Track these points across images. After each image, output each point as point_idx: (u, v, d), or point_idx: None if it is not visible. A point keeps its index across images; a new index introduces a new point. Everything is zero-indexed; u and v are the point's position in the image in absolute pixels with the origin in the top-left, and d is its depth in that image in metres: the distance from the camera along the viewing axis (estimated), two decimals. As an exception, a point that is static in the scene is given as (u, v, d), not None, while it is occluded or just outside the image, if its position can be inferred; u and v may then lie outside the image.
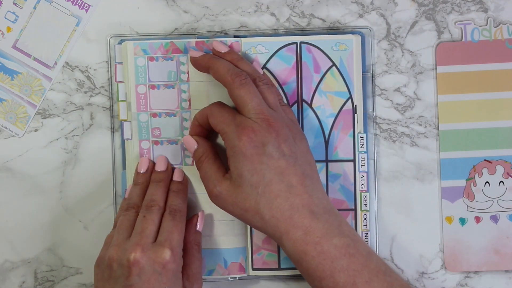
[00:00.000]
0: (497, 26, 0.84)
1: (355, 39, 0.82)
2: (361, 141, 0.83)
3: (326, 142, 0.83)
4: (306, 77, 0.83)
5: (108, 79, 0.85)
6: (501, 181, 0.84)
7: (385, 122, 0.85)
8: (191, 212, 0.82)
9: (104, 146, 0.85)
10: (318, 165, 0.83)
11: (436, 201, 0.85)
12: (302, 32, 0.84)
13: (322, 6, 0.85)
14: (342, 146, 0.83)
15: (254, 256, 0.83)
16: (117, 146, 0.85)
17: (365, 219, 0.83)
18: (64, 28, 0.84)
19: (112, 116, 0.85)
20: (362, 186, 0.83)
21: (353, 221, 0.83)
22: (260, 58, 0.82)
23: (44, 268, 0.86)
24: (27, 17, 0.84)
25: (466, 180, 0.84)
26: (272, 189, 0.74)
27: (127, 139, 0.83)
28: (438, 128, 0.85)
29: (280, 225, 0.74)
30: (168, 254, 0.75)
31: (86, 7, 0.84)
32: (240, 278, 0.84)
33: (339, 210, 0.83)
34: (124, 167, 0.84)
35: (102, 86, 0.85)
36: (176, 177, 0.82)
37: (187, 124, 0.82)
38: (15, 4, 0.84)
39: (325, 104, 0.83)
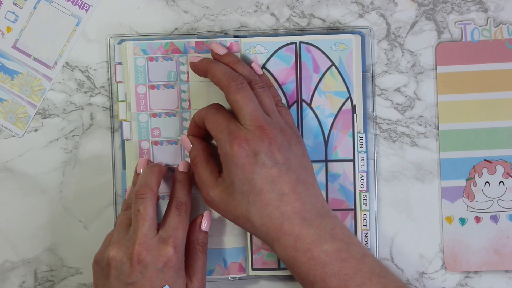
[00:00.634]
0: (497, 26, 0.84)
1: (355, 39, 0.82)
2: (361, 140, 0.83)
3: (326, 142, 0.83)
4: (306, 77, 0.83)
5: (108, 79, 0.85)
6: (501, 181, 0.84)
7: (385, 122, 0.85)
8: (194, 212, 0.82)
9: (104, 146, 0.85)
10: (318, 165, 0.83)
11: (436, 201, 0.85)
12: (302, 32, 0.84)
13: (322, 6, 0.85)
14: (341, 146, 0.83)
15: (254, 256, 0.83)
16: (117, 146, 0.85)
17: (364, 219, 0.83)
18: (64, 28, 0.84)
19: (112, 116, 0.85)
20: (362, 186, 0.83)
21: (353, 221, 0.83)
22: (260, 58, 0.82)
23: (44, 268, 0.86)
24: (27, 17, 0.84)
25: (466, 180, 0.84)
26: (263, 198, 0.74)
27: (127, 139, 0.83)
28: (438, 128, 0.84)
29: (271, 232, 0.75)
30: (171, 251, 0.75)
31: (86, 7, 0.84)
32: (240, 278, 0.84)
33: (339, 210, 0.83)
34: (124, 167, 0.84)
35: (102, 86, 0.85)
36: (182, 167, 0.81)
37: (187, 124, 0.82)
38: (15, 4, 0.84)
39: (325, 104, 0.83)
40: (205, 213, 0.81)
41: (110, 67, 0.84)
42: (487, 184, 0.84)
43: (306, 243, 0.74)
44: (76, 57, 0.85)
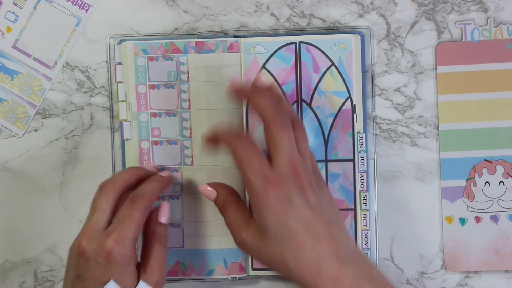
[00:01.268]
0: (497, 26, 0.84)
1: (354, 39, 0.82)
2: (361, 140, 0.83)
3: (326, 142, 0.83)
4: (305, 77, 0.83)
5: (108, 79, 0.85)
6: (501, 181, 0.84)
7: (385, 122, 0.85)
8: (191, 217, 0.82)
9: (104, 146, 0.85)
10: (318, 164, 0.83)
11: (436, 201, 0.85)
12: (302, 32, 0.84)
13: (322, 6, 0.85)
14: (341, 146, 0.83)
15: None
16: (117, 146, 0.85)
17: (364, 218, 0.83)
18: (64, 28, 0.84)
19: (112, 116, 0.85)
20: (362, 185, 0.83)
21: (353, 221, 0.83)
22: (259, 58, 0.82)
23: (44, 268, 0.86)
24: (27, 17, 0.84)
25: (466, 180, 0.84)
26: (298, 240, 0.71)
27: (127, 139, 0.83)
28: (438, 128, 0.84)
29: (307, 276, 0.71)
30: (112, 245, 0.72)
31: (86, 7, 0.84)
32: (240, 278, 0.84)
33: (339, 210, 0.83)
34: (124, 167, 0.84)
35: (102, 86, 0.85)
36: (163, 173, 0.81)
37: (187, 124, 0.82)
38: (15, 4, 0.84)
39: (324, 103, 0.83)
40: (162, 204, 0.79)
41: (110, 67, 0.84)
42: (487, 184, 0.84)
43: (346, 284, 0.71)
44: (76, 57, 0.85)
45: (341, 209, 0.83)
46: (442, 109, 0.84)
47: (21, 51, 0.84)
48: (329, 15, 0.85)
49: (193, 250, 0.83)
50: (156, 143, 0.83)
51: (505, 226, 0.84)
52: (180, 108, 0.83)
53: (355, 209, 0.83)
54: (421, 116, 0.85)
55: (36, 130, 0.85)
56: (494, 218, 0.84)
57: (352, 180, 0.83)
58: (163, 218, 0.78)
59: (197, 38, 0.83)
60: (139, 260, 0.77)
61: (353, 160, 0.83)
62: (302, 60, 0.83)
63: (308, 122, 0.83)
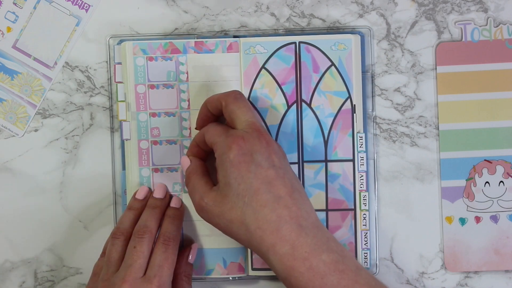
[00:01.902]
0: (497, 26, 0.84)
1: (354, 39, 0.82)
2: (360, 140, 0.83)
3: (326, 142, 0.83)
4: (305, 77, 0.83)
5: (108, 79, 0.85)
6: (501, 181, 0.84)
7: (385, 122, 0.85)
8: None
9: (104, 146, 0.85)
10: (318, 165, 0.83)
11: (436, 201, 0.85)
12: (302, 32, 0.84)
13: (322, 6, 0.85)
14: (341, 146, 0.83)
15: (253, 256, 0.83)
16: (116, 146, 0.85)
17: (364, 218, 0.83)
18: (64, 28, 0.85)
19: (112, 116, 0.85)
20: (362, 185, 0.83)
21: (353, 221, 0.83)
22: (259, 58, 0.82)
23: (44, 268, 0.86)
24: (27, 17, 0.84)
25: (466, 180, 0.84)
26: (259, 198, 0.72)
27: (126, 139, 0.83)
28: (438, 128, 0.84)
29: (266, 237, 0.72)
30: None
31: (86, 7, 0.84)
32: (239, 278, 0.84)
33: (339, 210, 0.83)
34: (123, 167, 0.84)
35: (102, 86, 0.85)
36: (174, 203, 0.82)
37: (186, 124, 0.83)
38: (15, 4, 0.84)
39: (324, 104, 0.83)
40: (193, 246, 0.82)
41: (110, 67, 0.84)
42: (487, 184, 0.84)
43: (304, 252, 0.72)
44: (76, 57, 0.85)
45: (341, 209, 0.83)
46: (442, 109, 0.84)
47: (21, 51, 0.84)
48: (329, 15, 0.85)
49: (193, 250, 0.84)
50: (155, 143, 0.83)
51: (505, 226, 0.84)
52: (180, 108, 0.83)
53: (355, 209, 0.83)
54: (421, 116, 0.85)
55: (36, 130, 0.85)
56: (494, 218, 0.84)
57: (352, 180, 0.83)
58: (193, 258, 0.82)
59: (197, 38, 0.83)
60: None
61: (353, 160, 0.83)
62: (302, 60, 0.82)
63: (308, 122, 0.83)
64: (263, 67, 0.82)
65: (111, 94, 0.85)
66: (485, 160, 0.84)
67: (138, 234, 0.77)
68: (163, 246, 0.77)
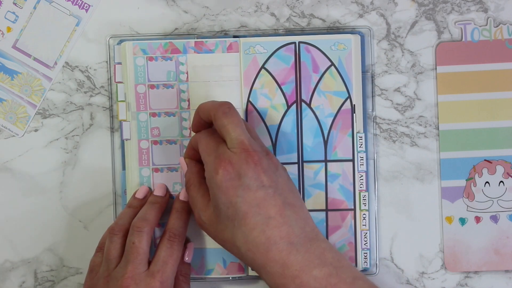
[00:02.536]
0: (497, 26, 0.84)
1: (354, 39, 0.82)
2: (360, 140, 0.83)
3: (325, 142, 0.83)
4: (305, 77, 0.83)
5: (108, 79, 0.85)
6: (501, 181, 0.84)
7: (385, 122, 0.85)
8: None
9: (104, 146, 0.85)
10: (317, 165, 0.83)
11: (436, 201, 0.85)
12: (302, 32, 0.84)
13: (322, 6, 0.85)
14: (341, 146, 0.83)
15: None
16: (116, 146, 0.85)
17: (364, 218, 0.83)
18: (64, 28, 0.85)
19: (112, 116, 0.85)
20: (361, 185, 0.83)
21: (353, 221, 0.83)
22: (259, 58, 0.82)
23: (44, 268, 0.86)
24: (27, 17, 0.84)
25: (466, 180, 0.84)
26: (248, 222, 0.72)
27: (126, 139, 0.83)
28: (438, 128, 0.84)
29: (257, 259, 0.72)
30: (158, 286, 0.75)
31: (86, 7, 0.84)
32: (239, 278, 0.84)
33: (339, 210, 0.83)
34: (123, 167, 0.84)
35: (102, 86, 0.85)
36: (182, 196, 0.81)
37: (186, 124, 0.83)
38: (15, 4, 0.84)
39: (324, 104, 0.83)
40: (188, 245, 0.82)
41: (110, 67, 0.84)
42: (487, 184, 0.84)
43: (294, 270, 0.71)
44: (76, 57, 0.85)
45: (341, 209, 0.83)
46: (442, 109, 0.84)
47: (21, 51, 0.84)
48: (329, 15, 0.85)
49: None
50: (155, 142, 0.83)
51: (505, 226, 0.84)
52: (180, 108, 0.83)
53: (355, 209, 0.83)
54: (421, 116, 0.85)
55: (36, 130, 0.85)
56: (494, 218, 0.84)
57: (352, 180, 0.83)
58: (189, 258, 0.82)
59: (197, 38, 0.83)
60: None
61: (352, 160, 0.83)
62: (301, 60, 0.82)
63: (308, 122, 0.83)
64: (263, 67, 0.82)
65: (111, 94, 0.85)
66: (485, 160, 0.84)
67: (136, 227, 0.77)
68: (168, 242, 0.78)
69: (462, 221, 0.84)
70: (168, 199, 0.83)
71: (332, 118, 0.83)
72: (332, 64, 0.82)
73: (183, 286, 0.80)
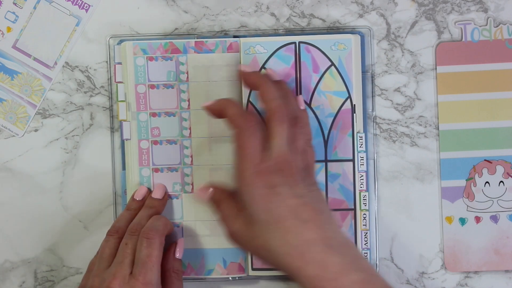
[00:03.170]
0: (497, 26, 0.84)
1: (354, 39, 0.82)
2: (360, 140, 0.83)
3: (325, 142, 0.83)
4: (305, 77, 0.83)
5: (108, 79, 0.85)
6: (501, 181, 0.84)
7: (385, 122, 0.85)
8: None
9: (104, 146, 0.85)
10: (317, 165, 0.83)
11: (436, 201, 0.85)
12: (302, 32, 0.84)
13: (322, 6, 0.85)
14: (341, 146, 0.83)
15: (253, 256, 0.83)
16: (116, 146, 0.85)
17: (364, 218, 0.83)
18: (64, 28, 0.85)
19: (112, 116, 0.85)
20: (361, 185, 0.83)
21: (353, 221, 0.83)
22: (259, 58, 0.82)
23: (44, 268, 0.86)
24: (27, 17, 0.84)
25: (466, 180, 0.84)
26: (283, 225, 0.72)
27: (126, 139, 0.83)
28: (438, 128, 0.84)
29: (293, 262, 0.71)
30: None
31: (86, 7, 0.84)
32: (239, 278, 0.84)
33: (339, 210, 0.83)
34: (124, 167, 0.84)
35: (102, 86, 0.85)
36: (156, 194, 0.82)
37: (186, 124, 0.83)
38: (15, 4, 0.84)
39: (324, 104, 0.83)
40: (178, 241, 0.82)
41: (110, 67, 0.84)
42: (487, 184, 0.84)
43: (332, 272, 0.70)
44: (76, 57, 0.85)
45: (341, 209, 0.83)
46: (442, 109, 0.84)
47: (21, 51, 0.84)
48: (329, 15, 0.85)
49: (193, 249, 0.83)
50: (155, 142, 0.83)
51: (505, 226, 0.84)
52: (180, 108, 0.83)
53: (355, 209, 0.83)
54: (421, 116, 0.85)
55: (36, 130, 0.85)
56: (494, 218, 0.84)
57: (352, 180, 0.83)
58: (180, 254, 0.81)
59: (197, 38, 0.83)
60: None
61: (352, 160, 0.83)
62: (301, 60, 0.82)
63: (308, 122, 0.83)
64: (263, 67, 0.82)
65: (111, 94, 0.85)
66: (485, 160, 0.84)
67: (131, 231, 0.78)
68: (145, 241, 0.77)
69: (462, 221, 0.84)
70: (166, 200, 0.83)
71: (332, 118, 0.83)
72: (332, 64, 0.82)
73: (175, 282, 0.80)
